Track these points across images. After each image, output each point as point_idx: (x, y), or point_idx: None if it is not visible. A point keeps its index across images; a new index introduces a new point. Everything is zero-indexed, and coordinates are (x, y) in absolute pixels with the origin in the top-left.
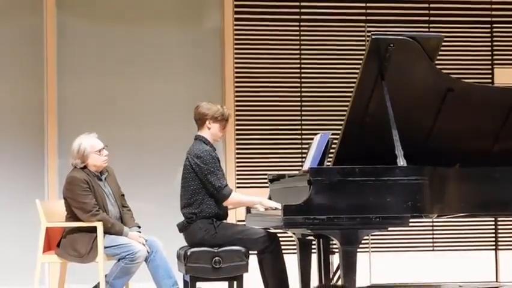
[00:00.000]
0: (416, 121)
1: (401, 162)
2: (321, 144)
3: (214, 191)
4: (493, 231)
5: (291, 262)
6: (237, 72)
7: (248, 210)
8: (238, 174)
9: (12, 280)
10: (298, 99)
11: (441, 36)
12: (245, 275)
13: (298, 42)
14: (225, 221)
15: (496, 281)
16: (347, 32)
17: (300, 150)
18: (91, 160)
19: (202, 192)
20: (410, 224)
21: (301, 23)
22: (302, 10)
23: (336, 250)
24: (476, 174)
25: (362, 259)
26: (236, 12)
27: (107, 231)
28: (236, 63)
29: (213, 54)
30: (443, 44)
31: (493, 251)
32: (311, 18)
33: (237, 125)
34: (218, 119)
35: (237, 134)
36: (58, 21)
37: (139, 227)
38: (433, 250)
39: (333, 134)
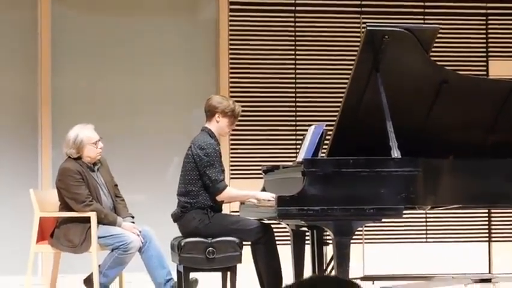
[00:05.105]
0: (410, 113)
1: (395, 153)
2: (315, 136)
3: (209, 183)
4: (487, 223)
5: (285, 253)
6: (231, 63)
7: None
8: (232, 166)
9: (5, 270)
10: (293, 90)
11: (437, 27)
12: (239, 266)
13: (293, 34)
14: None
15: (489, 273)
16: (342, 24)
17: (294, 142)
18: (86, 151)
19: (198, 184)
20: (404, 216)
21: (297, 14)
22: (297, 1)
23: (330, 241)
24: (469, 166)
25: (356, 250)
26: (231, 3)
27: (100, 222)
28: (231, 54)
29: (207, 46)
30: (438, 35)
31: (487, 243)
32: (306, 10)
33: None
34: (228, 114)
35: None
36: (52, 12)
37: (133, 217)
38: (426, 242)
39: (327, 126)
